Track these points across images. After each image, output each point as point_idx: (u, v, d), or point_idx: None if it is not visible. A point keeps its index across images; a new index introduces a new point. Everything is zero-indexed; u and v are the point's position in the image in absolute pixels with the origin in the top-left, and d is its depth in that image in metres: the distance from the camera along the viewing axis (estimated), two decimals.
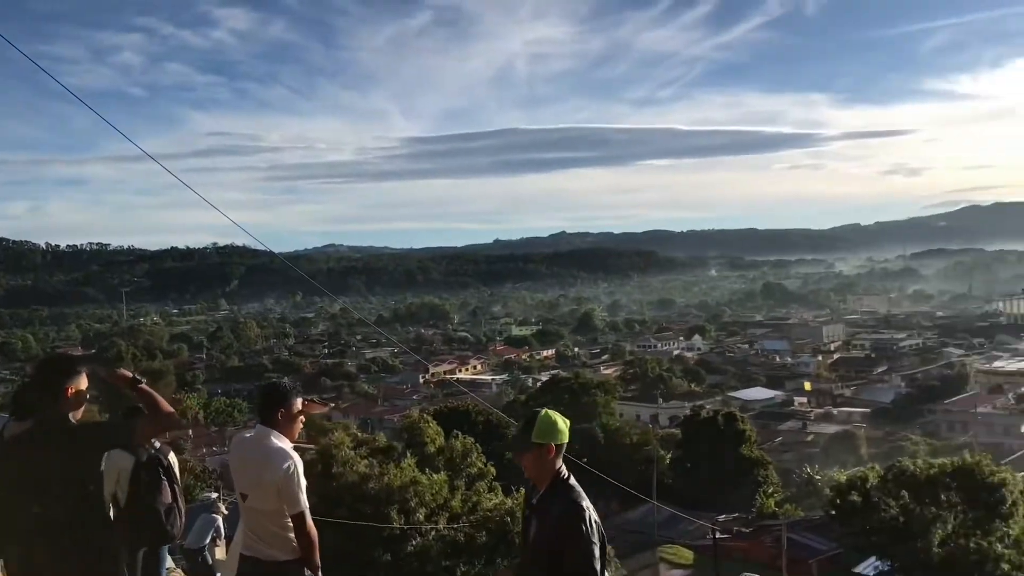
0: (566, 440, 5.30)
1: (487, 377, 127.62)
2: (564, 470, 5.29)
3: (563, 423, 5.29)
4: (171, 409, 5.25)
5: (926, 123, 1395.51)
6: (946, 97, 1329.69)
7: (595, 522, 5.05)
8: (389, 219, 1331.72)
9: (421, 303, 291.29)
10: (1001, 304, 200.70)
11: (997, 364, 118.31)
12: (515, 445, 5.46)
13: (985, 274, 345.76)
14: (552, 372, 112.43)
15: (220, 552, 15.60)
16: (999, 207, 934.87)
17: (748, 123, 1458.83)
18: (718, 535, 42.01)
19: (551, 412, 5.34)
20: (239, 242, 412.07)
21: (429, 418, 39.10)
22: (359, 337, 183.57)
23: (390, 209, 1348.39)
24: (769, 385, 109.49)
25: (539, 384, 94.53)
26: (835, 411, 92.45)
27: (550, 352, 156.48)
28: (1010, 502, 39.11)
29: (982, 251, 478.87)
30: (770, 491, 54.06)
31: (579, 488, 5.21)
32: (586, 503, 5.10)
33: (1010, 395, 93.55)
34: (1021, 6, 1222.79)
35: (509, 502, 27.52)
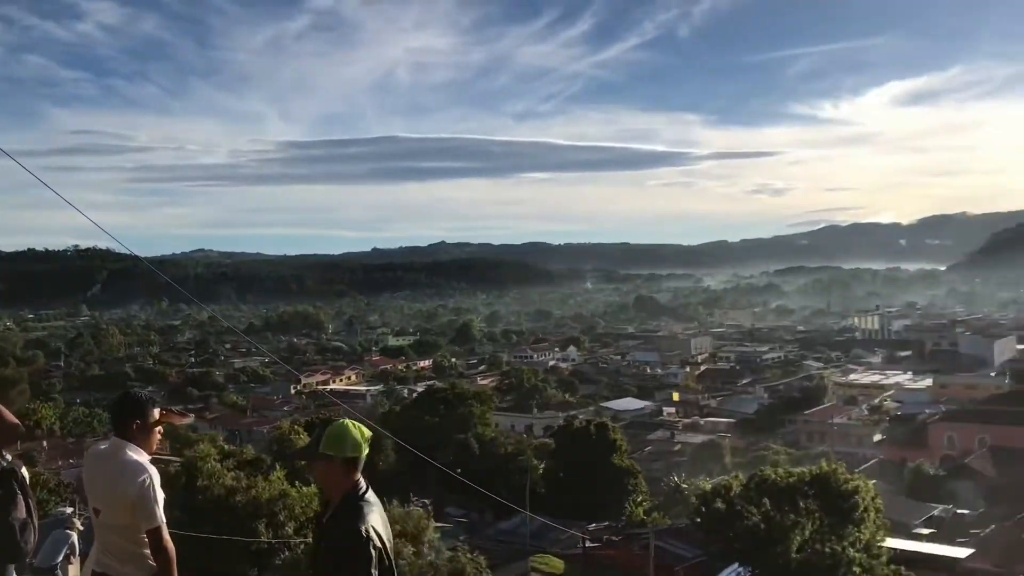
0: (360, 454, 4.93)
1: (362, 388, 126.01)
2: (362, 486, 4.93)
3: (358, 436, 4.93)
4: (13, 420, 4.94)
5: (790, 145, 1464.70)
6: (809, 121, 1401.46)
7: (378, 547, 4.68)
8: (263, 225, 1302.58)
9: (294, 312, 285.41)
10: (856, 320, 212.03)
11: (852, 377, 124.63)
12: (304, 454, 5.15)
13: (842, 291, 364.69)
14: (428, 383, 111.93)
15: (74, 570, 14.78)
16: (856, 227, 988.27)
17: (624, 140, 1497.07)
18: (588, 544, 42.65)
19: (348, 423, 5.03)
20: (102, 245, 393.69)
21: (300, 430, 38.35)
22: (228, 346, 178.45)
23: (264, 214, 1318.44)
24: (640, 396, 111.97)
25: (415, 395, 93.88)
26: (702, 421, 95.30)
27: (427, 363, 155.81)
28: (862, 508, 41.22)
29: (840, 269, 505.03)
30: (639, 500, 55.27)
31: (369, 507, 4.85)
32: (367, 526, 4.70)
33: (864, 406, 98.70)
34: (879, 38, 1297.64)
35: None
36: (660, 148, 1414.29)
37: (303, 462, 5.26)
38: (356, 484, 4.90)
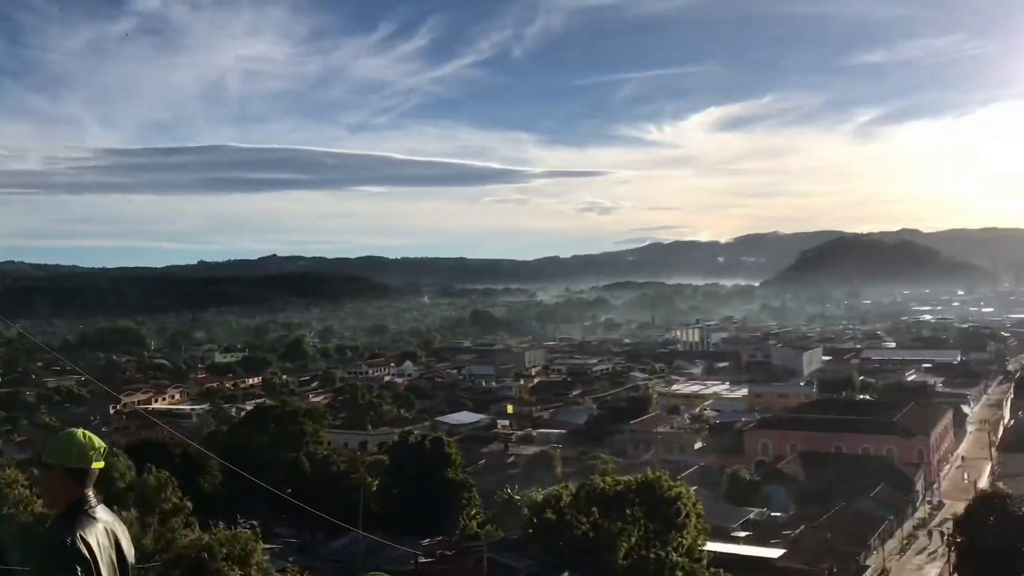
0: (86, 465, 4.67)
1: (186, 407, 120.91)
2: (90, 501, 4.66)
3: (86, 446, 4.68)
4: None
5: (617, 166, 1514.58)
6: (635, 143, 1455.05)
7: (87, 559, 4.39)
8: (80, 235, 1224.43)
9: (114, 327, 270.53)
10: (679, 333, 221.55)
11: (675, 387, 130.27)
12: (39, 462, 4.89)
13: (666, 305, 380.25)
14: (258, 400, 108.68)
15: None
16: (678, 245, 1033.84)
17: (460, 156, 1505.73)
18: (421, 560, 42.56)
19: (76, 432, 4.78)
20: None
21: (119, 452, 36.49)
22: (40, 364, 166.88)
23: (81, 224, 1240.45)
24: (475, 409, 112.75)
25: (243, 414, 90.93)
26: (535, 433, 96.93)
27: (256, 380, 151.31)
28: (684, 514, 43.22)
29: (664, 284, 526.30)
30: (473, 513, 55.66)
31: (90, 521, 4.56)
32: (74, 537, 4.41)
33: (685, 415, 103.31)
34: (699, 66, 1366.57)
35: (206, 537, 26.28)
36: (495, 165, 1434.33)
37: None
38: (83, 498, 4.63)
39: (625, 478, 46.46)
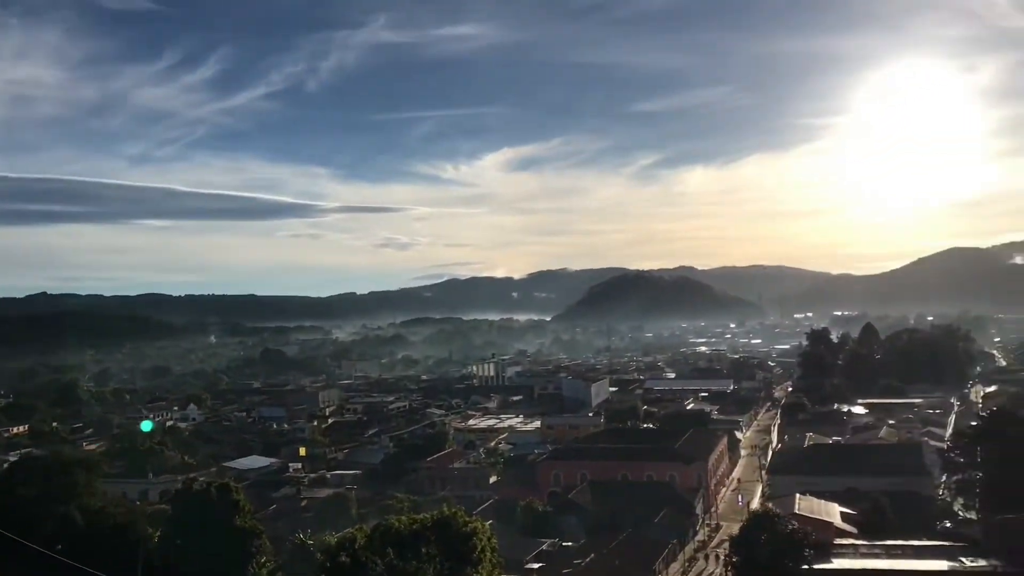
0: None
1: None
2: None
3: None
4: None
5: (414, 202, 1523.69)
6: (432, 180, 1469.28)
7: None
8: None
9: None
10: (475, 367, 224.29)
11: (471, 422, 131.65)
12: None
13: (463, 340, 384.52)
14: (24, 451, 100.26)
15: None
16: (475, 281, 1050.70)
17: (250, 190, 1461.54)
18: None
19: None
20: None
21: None
22: None
23: None
24: (265, 452, 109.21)
25: (6, 465, 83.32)
26: (328, 475, 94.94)
27: (22, 428, 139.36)
28: (479, 549, 43.62)
29: (461, 320, 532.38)
30: (264, 561, 53.55)
31: None
32: None
33: (481, 450, 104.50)
34: (493, 107, 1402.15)
35: None
36: (288, 199, 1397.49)
37: None
38: None
39: (421, 516, 46.33)
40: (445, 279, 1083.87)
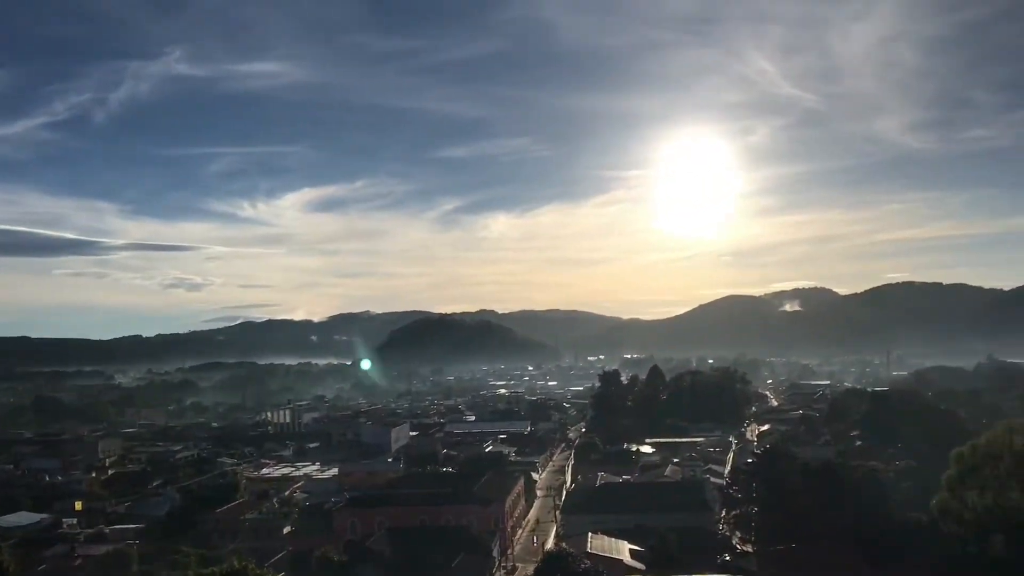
0: None
1: None
2: None
3: None
4: None
5: (209, 241, 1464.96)
6: (228, 219, 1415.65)
7: None
8: None
9: None
10: (270, 414, 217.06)
11: (264, 471, 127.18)
12: None
13: (258, 386, 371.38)
14: None
15: None
16: (271, 324, 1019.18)
17: (26, 224, 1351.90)
18: None
19: None
20: None
21: None
22: None
23: None
24: (35, 508, 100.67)
25: None
26: (107, 530, 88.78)
27: None
28: None
29: (256, 364, 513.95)
30: None
31: None
32: None
33: (275, 499, 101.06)
34: (294, 146, 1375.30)
35: None
36: (69, 235, 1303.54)
37: None
38: None
39: (209, 571, 44.37)
40: (240, 321, 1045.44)
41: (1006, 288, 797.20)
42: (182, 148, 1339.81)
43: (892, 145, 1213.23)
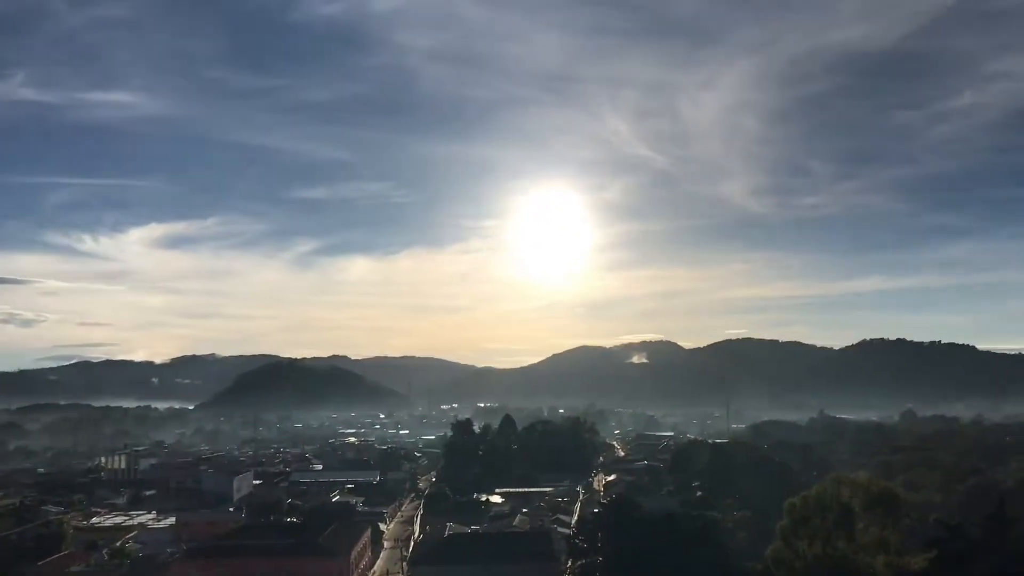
0: None
1: None
2: None
3: None
4: None
5: (44, 275, 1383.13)
6: (68, 252, 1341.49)
7: None
8: None
9: None
10: (103, 460, 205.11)
11: (95, 520, 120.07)
12: None
13: (92, 429, 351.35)
14: None
15: None
16: (110, 364, 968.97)
17: None
18: None
19: None
20: None
21: None
22: None
23: None
24: None
25: None
26: None
27: None
28: None
29: (90, 406, 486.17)
30: None
31: None
32: None
33: (105, 551, 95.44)
34: (142, 180, 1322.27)
35: None
36: None
37: None
38: None
39: None
40: (75, 361, 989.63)
41: (836, 347, 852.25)
42: (20, 176, 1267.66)
43: (736, 207, 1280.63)
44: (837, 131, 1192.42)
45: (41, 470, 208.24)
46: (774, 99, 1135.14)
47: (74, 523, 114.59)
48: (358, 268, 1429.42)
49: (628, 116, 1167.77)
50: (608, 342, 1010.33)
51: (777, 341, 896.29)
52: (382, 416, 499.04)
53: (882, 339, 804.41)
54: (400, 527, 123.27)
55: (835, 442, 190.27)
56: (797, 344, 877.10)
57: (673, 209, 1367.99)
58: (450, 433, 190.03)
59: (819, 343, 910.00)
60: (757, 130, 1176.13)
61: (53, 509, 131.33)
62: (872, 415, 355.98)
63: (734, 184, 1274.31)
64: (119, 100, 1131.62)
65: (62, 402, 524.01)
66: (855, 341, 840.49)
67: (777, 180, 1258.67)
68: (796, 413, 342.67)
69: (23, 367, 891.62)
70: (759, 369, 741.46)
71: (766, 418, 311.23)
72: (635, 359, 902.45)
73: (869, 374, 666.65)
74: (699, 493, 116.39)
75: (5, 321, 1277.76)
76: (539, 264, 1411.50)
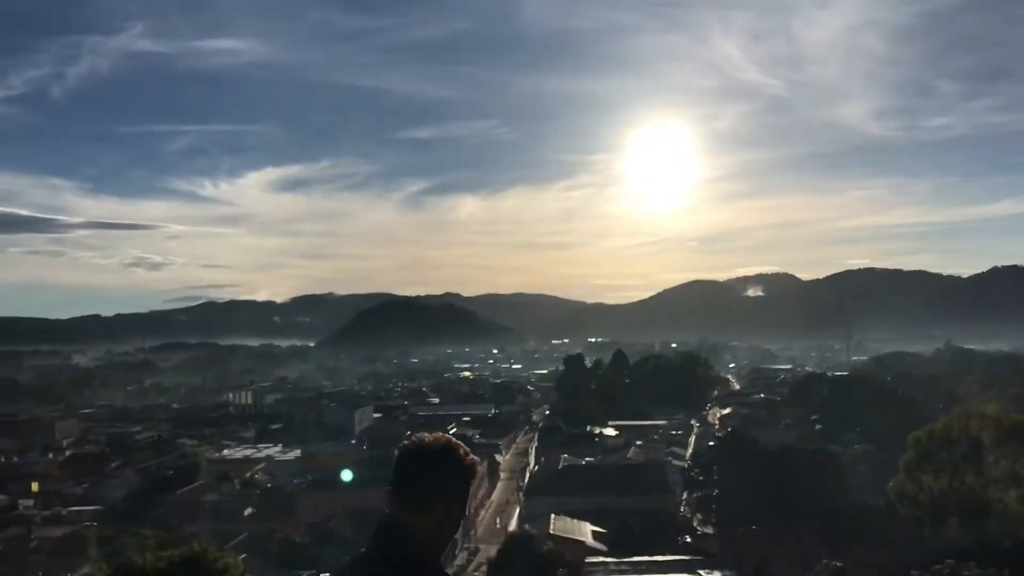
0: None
1: None
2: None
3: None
4: None
5: (169, 220, 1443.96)
6: (189, 198, 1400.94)
7: None
8: None
9: None
10: (231, 396, 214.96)
11: (226, 453, 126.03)
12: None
13: (219, 367, 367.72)
14: None
15: None
16: (233, 304, 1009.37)
17: None
18: None
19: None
20: None
21: None
22: None
23: None
24: None
25: None
26: (64, 511, 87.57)
27: None
28: None
29: (217, 345, 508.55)
30: None
31: None
32: None
33: (236, 482, 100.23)
34: (256, 125, 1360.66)
35: None
36: (24, 212, 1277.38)
37: None
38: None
39: (168, 553, 43.77)
40: (201, 302, 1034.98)
41: (965, 275, 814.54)
42: (142, 125, 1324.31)
43: (856, 132, 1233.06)
44: (966, 47, 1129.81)
45: (175, 405, 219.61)
46: (897, 15, 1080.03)
47: (207, 455, 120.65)
48: (466, 207, 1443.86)
49: (740, 40, 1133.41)
50: (722, 275, 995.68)
51: (901, 271, 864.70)
52: (495, 351, 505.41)
53: (1015, 266, 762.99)
54: (515, 459, 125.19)
55: (963, 374, 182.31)
56: (922, 273, 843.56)
57: (789, 136, 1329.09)
58: (562, 367, 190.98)
59: (946, 271, 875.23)
60: (879, 49, 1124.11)
61: (188, 442, 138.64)
62: (1004, 346, 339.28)
63: (854, 107, 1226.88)
64: (230, 47, 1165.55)
65: (191, 341, 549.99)
66: (985, 268, 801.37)
67: (901, 102, 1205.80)
68: (921, 344, 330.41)
69: (153, 308, 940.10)
70: (882, 300, 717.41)
71: (889, 350, 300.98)
72: (750, 292, 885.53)
73: (1000, 303, 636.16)
74: (818, 427, 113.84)
75: (135, 265, 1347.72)
76: (648, 198, 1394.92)
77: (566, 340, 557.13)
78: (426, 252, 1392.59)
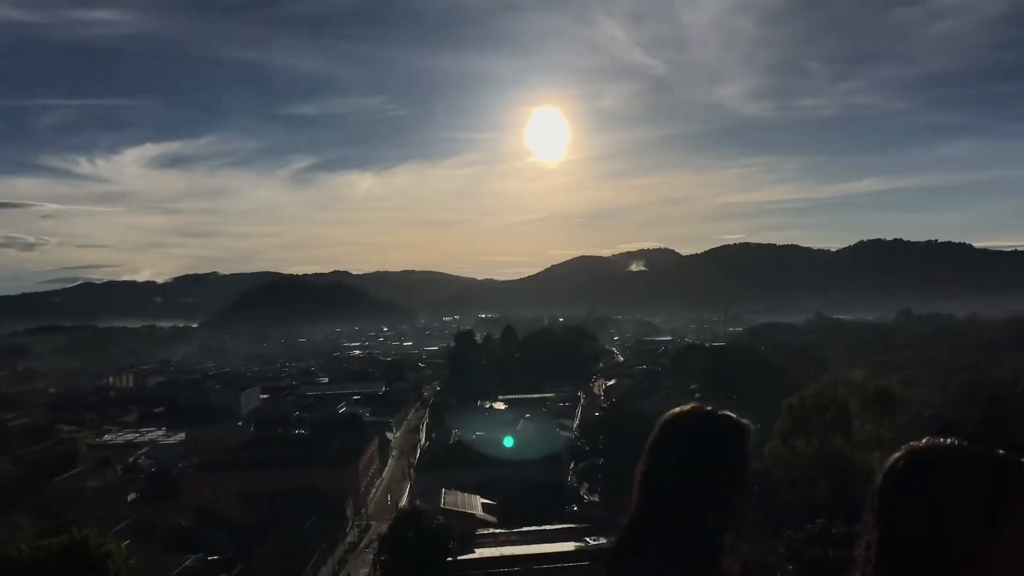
0: None
1: None
2: None
3: None
4: None
5: (43, 199, 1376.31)
6: (64, 175, 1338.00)
7: None
8: None
9: None
10: (112, 379, 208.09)
11: (107, 438, 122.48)
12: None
13: (98, 350, 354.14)
14: None
15: None
16: (112, 285, 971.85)
17: None
18: None
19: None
20: None
21: None
22: None
23: None
24: None
25: None
26: None
27: None
28: (114, 572, 41.22)
29: (96, 327, 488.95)
30: None
31: None
32: None
33: (118, 467, 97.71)
34: (135, 100, 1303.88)
35: None
36: None
37: None
38: None
39: (46, 542, 42.82)
40: (78, 283, 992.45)
41: (833, 249, 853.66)
42: (12, 99, 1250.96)
43: (733, 112, 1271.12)
44: (835, 31, 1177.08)
45: (52, 390, 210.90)
46: None
47: (87, 441, 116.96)
48: (355, 184, 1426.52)
49: (624, 21, 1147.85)
50: (607, 251, 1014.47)
51: (774, 245, 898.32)
52: (385, 329, 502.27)
53: (879, 240, 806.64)
54: (407, 436, 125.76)
55: (832, 343, 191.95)
56: (794, 248, 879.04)
57: (670, 116, 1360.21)
58: (453, 344, 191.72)
59: (816, 246, 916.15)
60: (754, 32, 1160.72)
61: (66, 428, 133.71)
62: (869, 316, 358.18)
63: (731, 88, 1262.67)
64: (106, 18, 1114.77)
65: (68, 324, 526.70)
66: (852, 243, 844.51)
67: (774, 83, 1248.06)
68: (793, 316, 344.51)
69: (26, 290, 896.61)
70: (756, 273, 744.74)
71: (763, 321, 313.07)
72: (633, 267, 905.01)
73: (866, 275, 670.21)
74: (697, 396, 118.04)
75: (5, 245, 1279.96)
76: (535, 176, 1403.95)
77: (457, 317, 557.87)
78: (314, 230, 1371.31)
